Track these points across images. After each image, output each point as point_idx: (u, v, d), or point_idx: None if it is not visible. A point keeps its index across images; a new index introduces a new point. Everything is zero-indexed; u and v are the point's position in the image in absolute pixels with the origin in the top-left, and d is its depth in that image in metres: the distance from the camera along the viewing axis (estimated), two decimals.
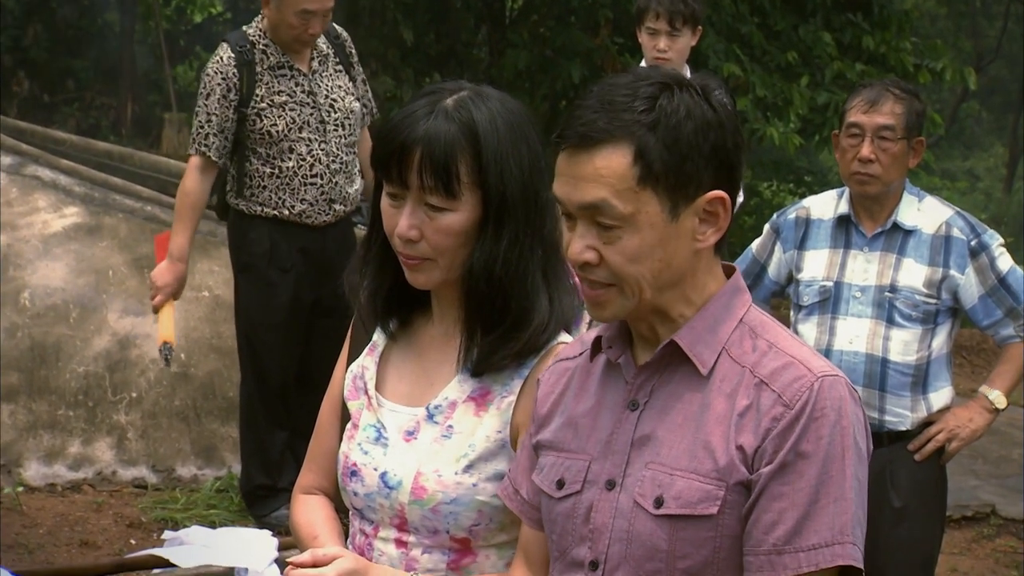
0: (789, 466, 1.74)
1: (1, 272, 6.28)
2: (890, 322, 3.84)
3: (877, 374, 3.85)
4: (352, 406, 2.22)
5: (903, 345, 3.84)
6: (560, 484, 1.90)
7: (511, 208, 2.03)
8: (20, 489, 5.64)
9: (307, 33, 5.11)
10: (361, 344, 2.26)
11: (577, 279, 1.87)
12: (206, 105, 5.09)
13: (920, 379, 3.87)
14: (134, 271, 6.44)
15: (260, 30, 5.18)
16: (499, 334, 2.06)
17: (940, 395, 3.92)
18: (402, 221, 2.04)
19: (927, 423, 3.91)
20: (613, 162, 1.76)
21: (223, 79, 5.09)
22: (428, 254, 2.05)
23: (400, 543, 2.12)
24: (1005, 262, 3.84)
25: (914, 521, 3.91)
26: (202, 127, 5.10)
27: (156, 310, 5.14)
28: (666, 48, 4.91)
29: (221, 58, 5.12)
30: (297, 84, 5.17)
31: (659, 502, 1.79)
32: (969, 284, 3.82)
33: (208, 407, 6.11)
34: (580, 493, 1.87)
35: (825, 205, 4.02)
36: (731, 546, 1.78)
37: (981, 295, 3.83)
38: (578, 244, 1.80)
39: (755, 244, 4.15)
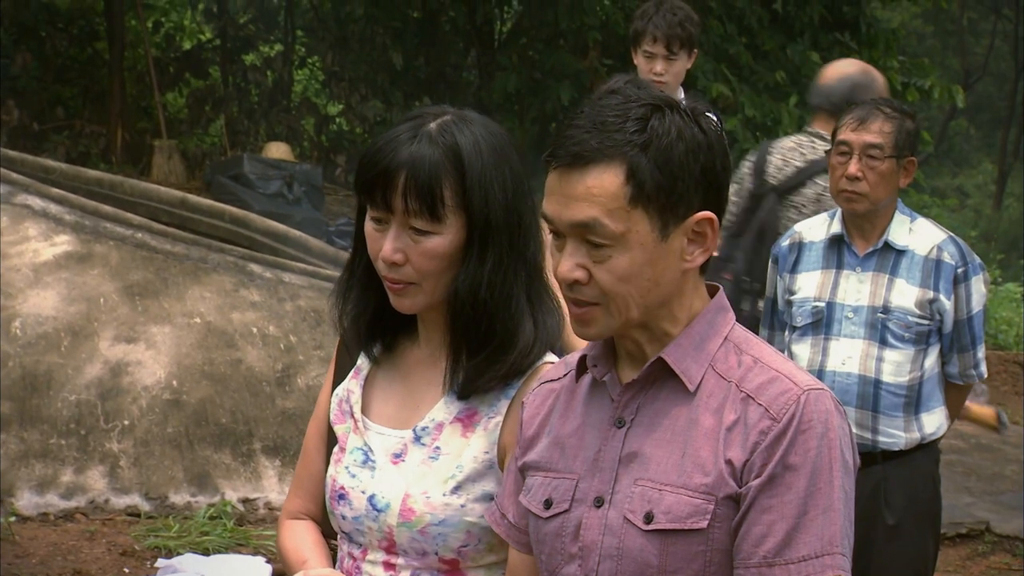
0: (777, 478, 1.75)
1: None
2: (883, 343, 3.85)
3: (870, 395, 3.85)
4: (339, 430, 2.22)
5: (895, 366, 3.85)
6: (548, 504, 1.90)
7: (495, 231, 2.04)
8: (12, 519, 5.61)
9: None
10: (345, 368, 2.27)
11: (562, 298, 1.88)
12: None
13: (913, 400, 3.87)
14: (125, 298, 6.43)
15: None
16: (485, 357, 2.07)
17: (933, 416, 3.93)
18: (387, 245, 2.05)
19: (921, 444, 3.91)
20: (605, 181, 1.77)
21: None
22: (412, 278, 2.06)
23: (388, 565, 2.12)
24: (978, 301, 3.87)
25: (908, 538, 3.91)
26: None
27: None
28: (663, 71, 4.91)
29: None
30: None
31: (649, 518, 1.79)
32: (950, 311, 3.84)
33: (201, 434, 6.10)
34: (568, 512, 1.87)
35: (817, 228, 4.04)
36: (721, 560, 1.78)
37: (951, 325, 3.87)
38: (567, 263, 1.81)
39: (767, 284, 4.18)
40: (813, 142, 4.85)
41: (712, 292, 1.92)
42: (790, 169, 4.82)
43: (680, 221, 1.80)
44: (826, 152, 4.00)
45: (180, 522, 5.70)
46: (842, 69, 5.00)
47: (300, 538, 2.26)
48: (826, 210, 4.32)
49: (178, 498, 5.94)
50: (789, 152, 4.85)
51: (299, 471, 2.32)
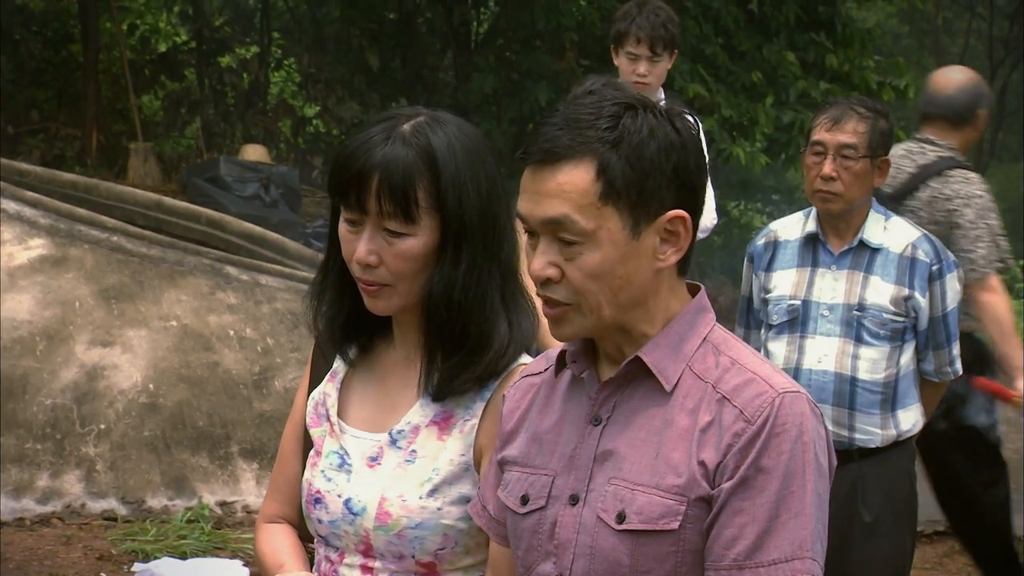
0: (750, 481, 1.75)
1: None
2: (858, 340, 3.86)
3: (846, 393, 3.86)
4: (315, 433, 2.21)
5: (871, 363, 3.86)
6: (524, 500, 1.90)
7: (469, 233, 2.04)
8: None
9: None
10: (321, 371, 2.26)
11: (536, 298, 1.88)
12: (992, 225, 4.83)
13: (889, 397, 3.89)
14: (101, 302, 6.40)
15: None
16: (459, 359, 2.07)
17: (909, 412, 3.94)
18: (361, 247, 2.04)
19: (897, 441, 3.93)
20: (576, 177, 1.77)
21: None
22: (387, 280, 2.05)
23: (366, 569, 2.11)
24: (952, 298, 3.89)
25: (885, 536, 3.92)
26: (998, 244, 4.84)
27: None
28: (646, 73, 4.92)
29: (977, 181, 4.90)
30: None
31: (621, 517, 1.80)
32: (925, 308, 3.86)
33: (177, 437, 6.08)
34: (544, 509, 1.88)
35: (792, 226, 4.06)
36: (693, 561, 1.78)
37: (927, 322, 3.88)
38: (540, 260, 1.81)
39: (743, 282, 4.19)
40: (923, 148, 4.95)
41: (694, 292, 1.92)
42: (903, 176, 4.88)
43: (652, 219, 1.80)
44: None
45: (157, 526, 5.69)
46: (958, 79, 5.10)
47: (277, 542, 2.25)
48: (937, 211, 4.50)
49: (155, 502, 5.92)
50: (900, 159, 4.88)
51: (275, 475, 2.31)
